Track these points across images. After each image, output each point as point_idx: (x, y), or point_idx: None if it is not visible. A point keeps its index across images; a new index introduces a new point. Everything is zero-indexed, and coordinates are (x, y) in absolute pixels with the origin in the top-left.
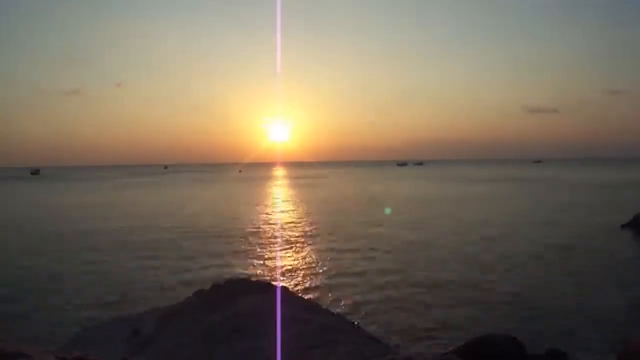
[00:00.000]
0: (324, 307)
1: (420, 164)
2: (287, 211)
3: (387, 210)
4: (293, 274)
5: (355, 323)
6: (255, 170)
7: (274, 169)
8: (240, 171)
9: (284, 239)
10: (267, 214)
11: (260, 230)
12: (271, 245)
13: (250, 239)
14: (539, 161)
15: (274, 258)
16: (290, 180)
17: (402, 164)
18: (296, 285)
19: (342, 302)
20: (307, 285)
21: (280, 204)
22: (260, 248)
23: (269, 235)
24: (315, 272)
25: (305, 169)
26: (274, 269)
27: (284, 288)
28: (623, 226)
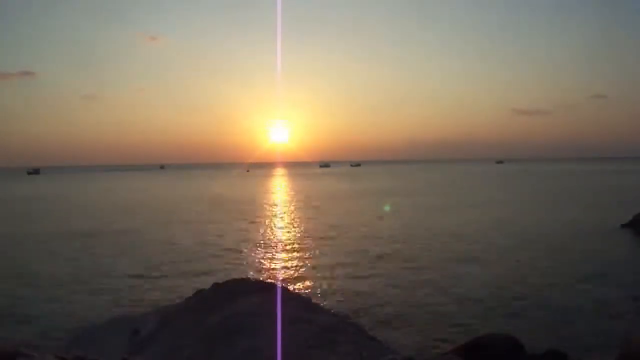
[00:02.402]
0: (324, 307)
1: (358, 165)
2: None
3: (387, 208)
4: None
5: (356, 323)
6: (261, 170)
7: (276, 168)
8: (248, 171)
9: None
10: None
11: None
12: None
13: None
14: (500, 162)
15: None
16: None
17: (324, 165)
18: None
19: (342, 302)
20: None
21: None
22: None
23: None
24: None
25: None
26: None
27: (284, 288)
28: (623, 226)
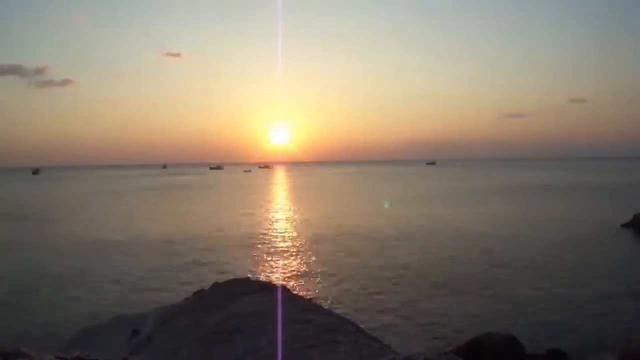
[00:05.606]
0: (324, 307)
1: (266, 167)
2: None
3: (387, 205)
4: None
5: (356, 323)
6: (264, 170)
7: (278, 169)
8: (249, 170)
9: None
10: None
11: None
12: None
13: None
14: (432, 162)
15: None
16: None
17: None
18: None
19: (343, 302)
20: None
21: None
22: None
23: None
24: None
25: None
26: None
27: (284, 288)
28: (623, 226)
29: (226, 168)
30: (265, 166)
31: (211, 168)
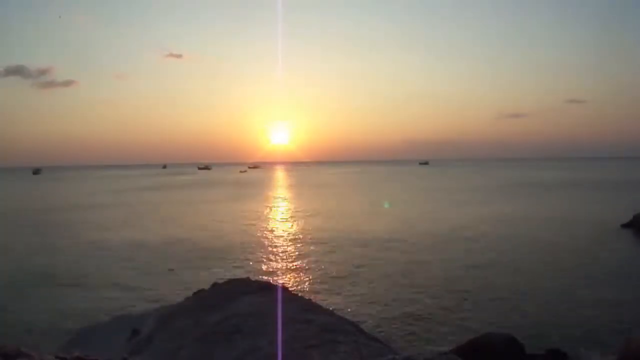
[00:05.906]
0: (324, 307)
1: (255, 167)
2: None
3: (387, 205)
4: None
5: (356, 323)
6: (264, 170)
7: (278, 169)
8: (245, 171)
9: None
10: None
11: None
12: None
13: None
14: (425, 162)
15: None
16: None
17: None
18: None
19: (343, 302)
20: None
21: None
22: None
23: None
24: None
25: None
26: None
27: (284, 288)
28: (623, 226)
29: (225, 168)
30: (255, 167)
31: (199, 168)
